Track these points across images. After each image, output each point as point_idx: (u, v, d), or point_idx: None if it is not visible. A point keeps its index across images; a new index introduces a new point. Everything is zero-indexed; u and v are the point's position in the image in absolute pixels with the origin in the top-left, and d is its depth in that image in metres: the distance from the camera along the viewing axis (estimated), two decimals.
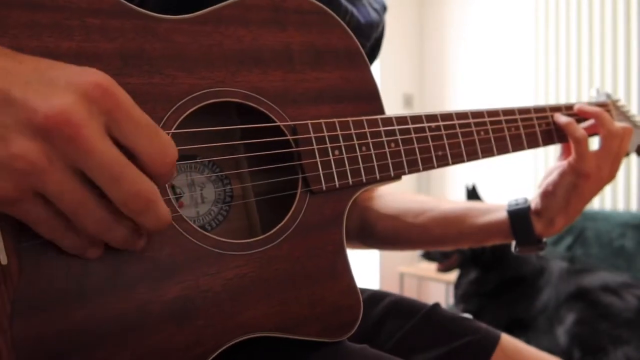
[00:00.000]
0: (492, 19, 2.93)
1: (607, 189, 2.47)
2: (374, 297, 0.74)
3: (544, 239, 0.72)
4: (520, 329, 1.79)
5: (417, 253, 2.34)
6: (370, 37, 0.71)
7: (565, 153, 0.72)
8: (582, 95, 2.49)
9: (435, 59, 3.22)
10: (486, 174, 2.79)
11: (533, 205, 0.72)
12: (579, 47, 2.54)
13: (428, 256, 2.25)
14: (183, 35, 0.43)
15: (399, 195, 0.83)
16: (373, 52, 0.75)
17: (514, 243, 0.72)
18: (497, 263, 1.98)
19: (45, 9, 0.36)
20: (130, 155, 0.33)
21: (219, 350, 0.41)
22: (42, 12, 0.36)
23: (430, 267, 2.91)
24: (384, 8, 0.75)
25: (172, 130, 0.42)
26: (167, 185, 0.41)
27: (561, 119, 0.69)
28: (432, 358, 0.65)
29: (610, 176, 0.70)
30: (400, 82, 3.15)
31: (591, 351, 1.68)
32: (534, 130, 0.68)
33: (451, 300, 2.46)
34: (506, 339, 0.69)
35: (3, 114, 0.29)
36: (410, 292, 3.01)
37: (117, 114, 0.32)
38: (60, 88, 0.30)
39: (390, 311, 0.72)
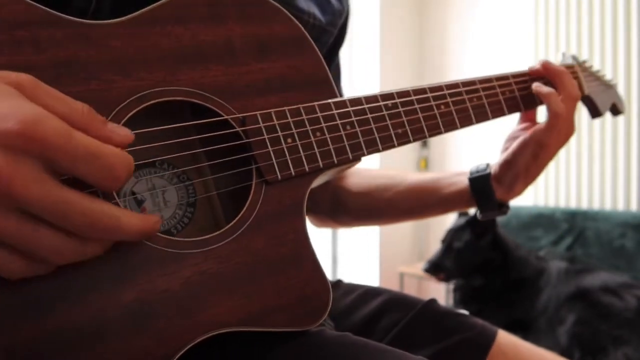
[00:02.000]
0: (492, 19, 2.93)
1: (607, 189, 2.47)
2: (369, 293, 0.74)
3: (507, 204, 0.73)
4: (520, 330, 1.79)
5: (416, 256, 2.29)
6: (336, 26, 0.71)
7: (527, 121, 0.73)
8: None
9: (435, 59, 3.22)
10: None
11: (493, 172, 0.72)
12: (579, 47, 2.53)
13: (431, 270, 2.13)
14: (118, 39, 0.42)
15: (369, 172, 0.84)
16: (340, 38, 0.75)
17: (477, 209, 0.73)
18: (499, 267, 1.97)
19: None
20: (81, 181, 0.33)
21: (183, 351, 0.40)
22: None
23: None
24: None
25: None
26: (127, 193, 0.40)
27: (543, 88, 0.69)
28: (429, 355, 0.64)
29: (567, 138, 0.70)
30: (400, 81, 3.14)
31: (591, 351, 1.67)
32: (497, 99, 0.67)
33: (451, 301, 2.46)
34: (503, 335, 0.69)
35: None
36: (410, 292, 3.00)
37: (48, 154, 0.31)
38: None
39: (385, 307, 0.71)
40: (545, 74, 0.71)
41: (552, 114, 0.67)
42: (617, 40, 2.42)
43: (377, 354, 0.47)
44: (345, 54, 3.04)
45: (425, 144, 3.21)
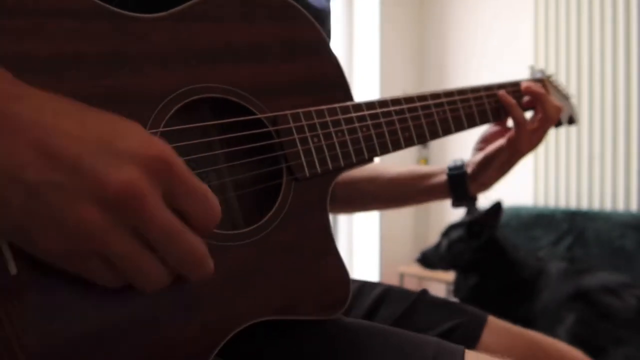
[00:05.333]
0: (492, 19, 2.93)
1: (607, 189, 2.47)
2: (364, 288, 0.77)
3: (474, 195, 0.82)
4: None
5: (414, 253, 2.31)
6: (324, 25, 0.73)
7: (499, 124, 0.81)
8: (581, 95, 2.49)
9: (435, 59, 3.22)
10: None
11: (470, 170, 0.80)
12: (578, 48, 2.53)
13: (423, 261, 2.22)
14: (159, 33, 0.43)
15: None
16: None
17: (451, 200, 0.83)
18: (497, 268, 1.97)
19: (22, 14, 0.36)
20: (181, 217, 0.36)
21: (225, 339, 0.42)
22: (21, 18, 0.36)
23: None
24: None
25: (161, 129, 0.42)
26: None
27: (508, 99, 0.76)
28: None
29: (537, 145, 0.79)
30: (400, 81, 3.14)
31: (591, 351, 1.67)
32: (484, 108, 0.74)
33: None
34: (493, 319, 0.73)
35: (74, 181, 0.31)
36: None
37: (174, 185, 0.35)
38: (126, 161, 0.33)
39: (381, 300, 0.74)
40: (527, 94, 0.79)
41: (519, 123, 0.75)
42: (617, 41, 2.42)
43: (395, 335, 0.50)
44: (346, 54, 3.04)
45: (425, 145, 3.21)
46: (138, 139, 0.34)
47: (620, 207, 2.44)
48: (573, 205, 2.58)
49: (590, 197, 2.53)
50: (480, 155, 0.80)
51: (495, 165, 0.78)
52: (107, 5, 0.41)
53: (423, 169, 0.87)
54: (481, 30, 2.98)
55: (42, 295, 0.34)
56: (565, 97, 0.92)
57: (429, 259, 2.18)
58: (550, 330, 1.77)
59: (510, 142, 0.76)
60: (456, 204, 0.82)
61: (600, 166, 2.49)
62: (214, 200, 0.37)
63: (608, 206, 2.47)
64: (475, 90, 0.73)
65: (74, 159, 0.31)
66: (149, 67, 0.42)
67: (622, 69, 2.40)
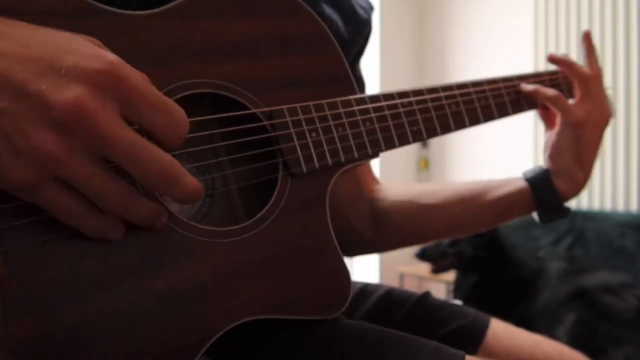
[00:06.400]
0: (492, 19, 2.93)
1: (607, 189, 2.47)
2: (366, 290, 0.76)
3: (567, 205, 0.69)
4: None
5: (414, 251, 2.31)
6: (362, 36, 0.72)
7: (548, 123, 0.72)
8: None
9: (435, 59, 3.22)
10: (486, 165, 2.79)
11: (548, 167, 0.70)
12: (579, 47, 2.53)
13: (423, 256, 2.22)
14: (151, 30, 0.43)
15: (404, 183, 0.83)
16: (363, 48, 0.76)
17: (536, 214, 0.69)
18: (496, 267, 1.97)
19: (7, 15, 0.36)
20: (145, 132, 0.34)
21: (214, 338, 0.41)
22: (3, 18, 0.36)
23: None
24: (371, 7, 0.76)
25: None
26: None
27: (527, 87, 0.68)
28: None
29: (604, 116, 0.68)
30: (400, 81, 3.14)
31: (591, 351, 1.67)
32: (502, 100, 0.68)
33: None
34: (496, 322, 0.71)
35: (20, 106, 0.30)
36: None
37: (130, 98, 0.33)
38: (72, 78, 0.31)
39: (383, 302, 0.73)
40: (553, 63, 0.72)
41: (550, 101, 0.67)
42: (617, 41, 2.42)
43: (394, 339, 0.49)
44: None
45: (425, 144, 3.21)
46: (83, 53, 0.32)
47: (620, 207, 2.44)
48: (573, 205, 2.57)
49: (590, 197, 2.53)
50: (547, 151, 0.70)
51: (567, 151, 0.67)
52: (100, 5, 0.41)
53: (492, 180, 0.72)
54: (481, 28, 2.98)
55: (21, 290, 0.34)
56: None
57: (429, 254, 2.17)
58: (550, 330, 1.77)
59: (562, 120, 0.67)
60: (546, 214, 0.69)
61: (600, 166, 2.49)
62: (177, 110, 0.35)
63: (608, 206, 2.47)
64: (492, 81, 0.67)
65: (18, 83, 0.30)
66: (140, 64, 0.41)
67: (622, 69, 2.40)
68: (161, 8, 0.44)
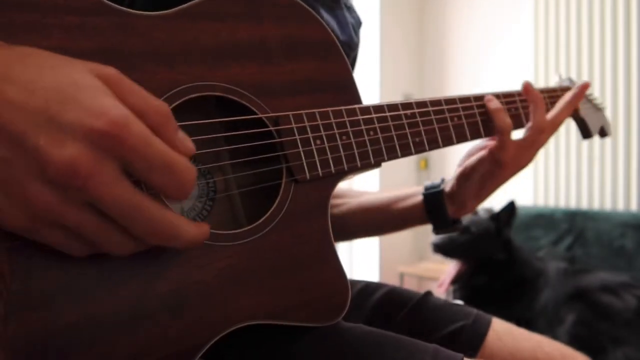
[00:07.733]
0: (492, 19, 2.93)
1: (607, 189, 2.47)
2: (368, 289, 0.76)
3: (460, 220, 0.74)
4: None
5: (415, 251, 2.27)
6: (349, 55, 0.71)
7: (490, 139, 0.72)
8: None
9: (435, 59, 3.22)
10: None
11: (448, 188, 0.73)
12: (578, 48, 2.53)
13: (440, 250, 2.03)
14: (161, 31, 0.43)
15: (362, 191, 0.85)
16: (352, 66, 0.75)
17: (432, 225, 0.75)
18: (506, 269, 1.96)
19: (21, 9, 0.36)
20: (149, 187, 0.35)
21: (213, 341, 0.41)
22: (17, 12, 0.36)
23: (431, 267, 2.91)
24: (359, 24, 0.76)
25: None
26: None
27: (492, 104, 0.67)
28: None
29: (526, 164, 0.70)
30: (400, 81, 3.14)
31: (591, 351, 1.67)
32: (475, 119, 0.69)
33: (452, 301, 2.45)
34: (497, 321, 0.72)
35: (18, 158, 0.30)
36: None
37: (130, 158, 0.32)
38: (71, 135, 0.31)
39: (383, 302, 0.73)
40: (525, 96, 0.72)
41: (498, 129, 0.66)
42: (617, 42, 2.42)
43: (393, 341, 0.49)
44: None
45: None
46: (87, 107, 0.31)
47: (620, 207, 2.44)
48: (573, 205, 2.58)
49: (590, 197, 2.53)
50: (459, 169, 0.72)
51: (474, 179, 0.70)
52: (112, 4, 0.41)
53: (401, 192, 0.78)
54: (481, 29, 2.98)
55: (23, 289, 0.34)
56: (598, 109, 0.86)
57: (444, 248, 2.03)
58: (550, 330, 1.77)
59: (491, 151, 0.68)
60: (438, 230, 0.74)
61: (600, 166, 2.49)
62: (182, 169, 0.34)
63: (608, 206, 2.47)
64: (495, 96, 0.68)
65: (17, 135, 0.30)
66: (149, 64, 0.42)
67: (622, 68, 2.40)
68: (172, 10, 0.45)
